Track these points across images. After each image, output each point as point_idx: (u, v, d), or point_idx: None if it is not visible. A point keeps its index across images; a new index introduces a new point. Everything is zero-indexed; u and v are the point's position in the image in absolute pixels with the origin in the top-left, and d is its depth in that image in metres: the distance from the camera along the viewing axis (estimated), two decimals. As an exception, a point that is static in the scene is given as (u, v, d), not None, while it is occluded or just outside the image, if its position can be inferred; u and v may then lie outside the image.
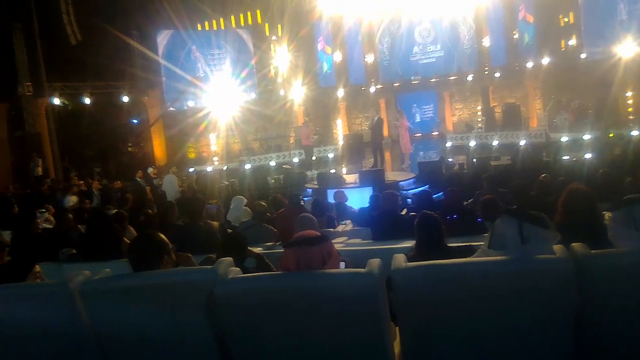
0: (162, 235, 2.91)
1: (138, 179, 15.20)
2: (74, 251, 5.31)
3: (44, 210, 8.73)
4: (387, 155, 18.73)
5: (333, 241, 2.83)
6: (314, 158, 19.51)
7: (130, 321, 2.63)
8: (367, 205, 7.98)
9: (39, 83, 19.32)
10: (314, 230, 2.76)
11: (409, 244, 4.56)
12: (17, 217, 7.85)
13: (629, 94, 17.66)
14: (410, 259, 2.85)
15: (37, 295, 2.75)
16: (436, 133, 23.11)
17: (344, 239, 5.82)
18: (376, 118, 16.90)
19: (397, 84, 24.00)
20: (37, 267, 3.22)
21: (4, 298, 2.71)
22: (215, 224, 6.02)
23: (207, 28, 23.47)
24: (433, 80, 23.20)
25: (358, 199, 9.47)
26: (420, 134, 23.17)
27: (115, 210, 7.43)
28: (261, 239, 5.90)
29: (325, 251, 2.50)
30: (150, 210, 7.87)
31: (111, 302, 2.64)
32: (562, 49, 20.54)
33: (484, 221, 5.43)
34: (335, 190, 10.03)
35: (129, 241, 4.23)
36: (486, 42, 22.28)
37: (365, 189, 11.19)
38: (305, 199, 10.12)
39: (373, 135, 16.72)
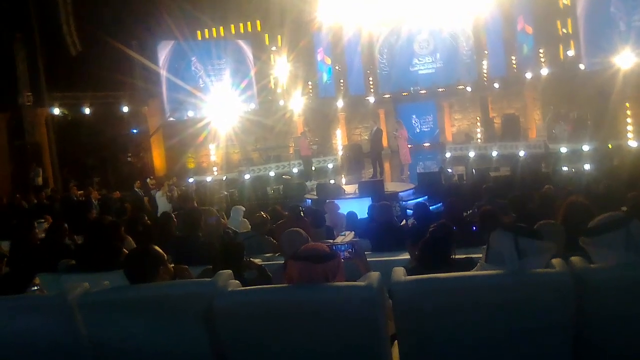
0: (157, 248, 2.92)
1: (137, 189, 15.19)
2: (73, 262, 5.29)
3: (42, 220, 8.71)
4: (387, 166, 18.75)
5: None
6: (313, 168, 19.48)
7: (128, 334, 2.62)
8: (366, 216, 7.96)
9: (39, 93, 19.36)
10: (323, 245, 2.74)
11: (408, 255, 4.56)
12: (16, 227, 7.82)
13: (628, 104, 17.70)
14: (410, 270, 2.85)
15: (36, 307, 2.76)
16: (436, 144, 23.14)
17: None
18: (375, 128, 16.91)
19: (396, 95, 24.05)
20: (37, 280, 3.22)
21: (2, 309, 2.70)
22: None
23: (207, 37, 23.54)
24: (432, 90, 23.26)
25: (357, 209, 9.44)
26: (428, 144, 23.25)
27: (110, 219, 7.37)
28: (262, 251, 5.88)
29: (330, 269, 2.48)
30: (149, 221, 7.84)
31: (110, 315, 2.63)
32: (561, 60, 20.61)
33: (482, 233, 5.43)
34: (327, 201, 10.00)
35: (127, 252, 4.23)
36: (485, 53, 22.38)
37: (365, 200, 11.18)
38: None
39: (372, 146, 16.73)
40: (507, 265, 2.38)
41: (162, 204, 12.68)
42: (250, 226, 7.65)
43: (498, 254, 2.46)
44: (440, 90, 23.17)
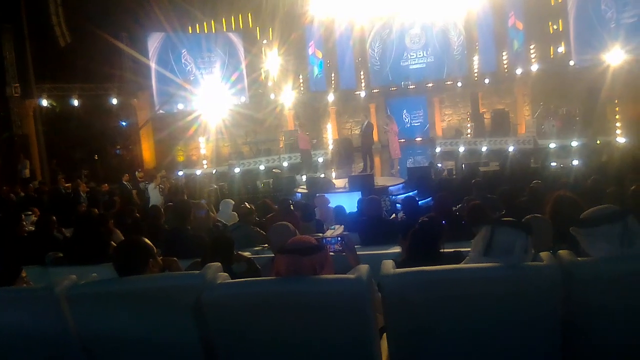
0: (147, 240, 2.90)
1: (125, 182, 15.11)
2: (61, 254, 5.26)
3: (29, 212, 8.65)
4: (377, 160, 18.77)
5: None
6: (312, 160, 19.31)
7: (116, 326, 2.61)
8: (355, 210, 7.98)
9: (27, 84, 19.19)
10: (310, 237, 2.74)
11: (398, 249, 4.57)
12: (2, 219, 7.77)
13: (617, 101, 17.82)
14: (400, 263, 2.86)
15: (23, 300, 2.73)
16: (425, 138, 23.19)
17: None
18: (366, 123, 16.92)
19: (387, 89, 24.06)
20: (24, 272, 3.19)
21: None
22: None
23: (197, 31, 23.41)
24: (423, 85, 23.30)
25: (347, 203, 9.48)
26: (418, 139, 23.28)
27: (98, 212, 7.35)
28: (249, 241, 5.87)
29: (318, 261, 2.49)
30: (137, 214, 7.82)
31: (98, 307, 2.62)
32: (551, 56, 20.71)
33: (470, 226, 5.45)
34: (317, 194, 9.99)
35: (115, 245, 4.20)
36: (476, 48, 22.44)
37: (355, 194, 11.20)
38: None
39: (363, 140, 16.74)
40: (514, 260, 2.39)
41: (155, 196, 12.65)
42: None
43: (504, 249, 2.45)
44: (431, 85, 23.21)
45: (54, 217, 6.55)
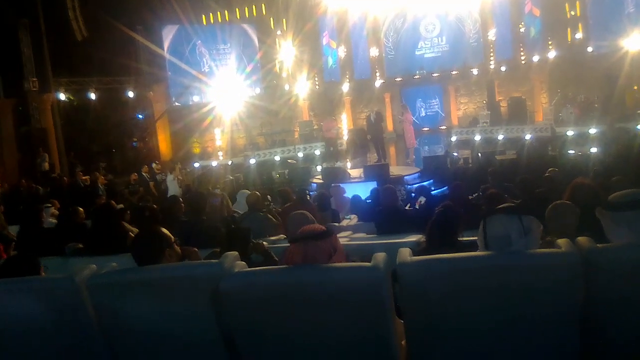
0: (164, 229, 2.92)
1: (144, 174, 15.24)
2: (80, 245, 5.32)
3: (49, 205, 8.75)
4: (392, 150, 18.72)
5: (338, 235, 2.84)
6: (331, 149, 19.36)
7: (136, 315, 2.64)
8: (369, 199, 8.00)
9: (45, 78, 19.39)
10: (319, 225, 2.75)
11: (414, 238, 4.56)
12: (24, 211, 7.88)
13: (636, 87, 17.55)
14: (419, 251, 2.85)
15: (44, 289, 2.76)
16: (441, 127, 23.04)
17: (349, 233, 5.82)
18: (374, 113, 16.84)
19: (402, 79, 23.90)
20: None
21: (10, 291, 2.72)
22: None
23: (211, 21, 23.43)
24: (438, 74, 23.11)
25: (363, 193, 9.48)
26: (434, 128, 23.12)
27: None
28: (260, 227, 5.87)
29: (332, 245, 2.51)
30: (155, 205, 7.87)
31: (117, 296, 2.65)
32: (569, 43, 20.42)
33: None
34: (333, 184, 10.02)
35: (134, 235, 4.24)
36: (492, 35, 22.18)
37: (370, 184, 11.19)
38: (311, 193, 10.12)
39: (373, 131, 16.66)
40: (514, 247, 2.36)
41: (173, 187, 12.81)
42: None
43: (501, 238, 2.41)
44: (446, 73, 23.01)
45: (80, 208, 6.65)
